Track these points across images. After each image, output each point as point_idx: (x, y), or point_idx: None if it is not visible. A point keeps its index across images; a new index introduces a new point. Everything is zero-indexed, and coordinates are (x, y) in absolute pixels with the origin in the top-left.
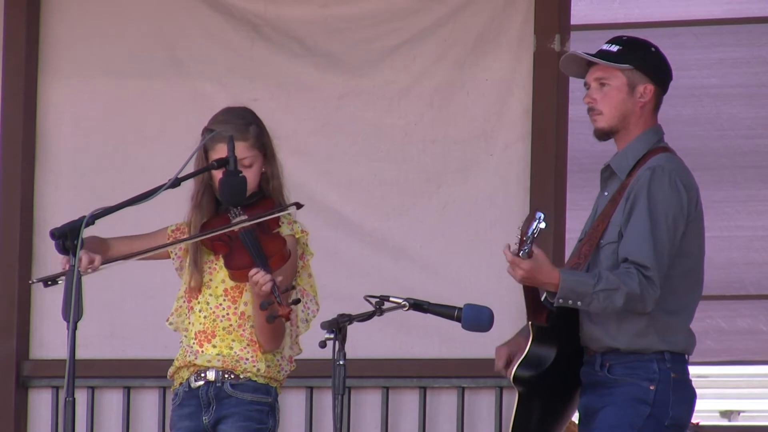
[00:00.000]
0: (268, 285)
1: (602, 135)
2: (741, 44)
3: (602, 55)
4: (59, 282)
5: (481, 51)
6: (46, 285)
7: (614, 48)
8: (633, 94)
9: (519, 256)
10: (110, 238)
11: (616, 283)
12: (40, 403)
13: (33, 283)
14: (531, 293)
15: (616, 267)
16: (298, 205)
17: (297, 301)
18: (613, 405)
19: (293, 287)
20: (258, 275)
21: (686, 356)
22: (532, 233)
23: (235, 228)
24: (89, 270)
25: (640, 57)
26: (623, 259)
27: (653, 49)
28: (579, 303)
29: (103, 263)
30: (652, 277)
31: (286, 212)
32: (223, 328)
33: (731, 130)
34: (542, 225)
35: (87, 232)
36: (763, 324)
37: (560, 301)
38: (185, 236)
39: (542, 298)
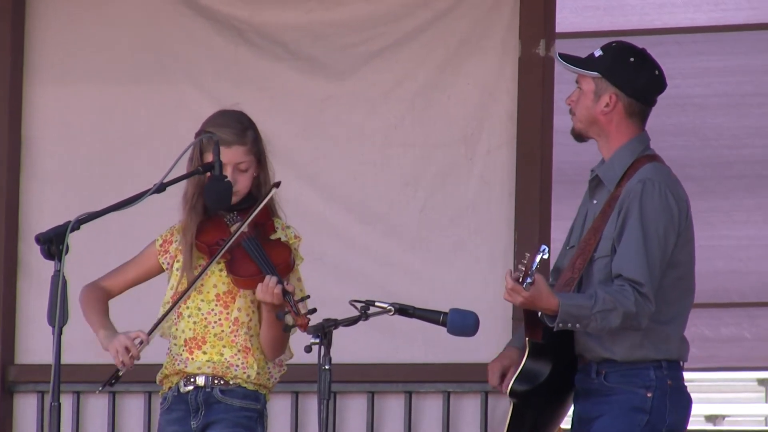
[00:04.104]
0: (279, 291)
1: (576, 136)
2: (725, 53)
3: (580, 59)
4: (120, 375)
5: (463, 55)
6: (111, 385)
7: (597, 53)
8: (597, 102)
9: (522, 286)
10: (103, 282)
11: (611, 303)
12: (26, 408)
13: (100, 391)
14: (529, 311)
15: (609, 280)
16: (278, 185)
17: (314, 311)
18: (609, 414)
19: (308, 297)
20: (269, 284)
21: (681, 363)
22: (536, 266)
23: (237, 235)
24: (142, 347)
25: (610, 66)
26: (617, 275)
27: (632, 59)
28: (578, 325)
29: (149, 334)
30: (647, 293)
31: (273, 192)
32: (215, 335)
33: (715, 139)
34: (545, 256)
35: (73, 237)
36: (746, 331)
37: (560, 325)
38: (174, 244)
39: (539, 315)
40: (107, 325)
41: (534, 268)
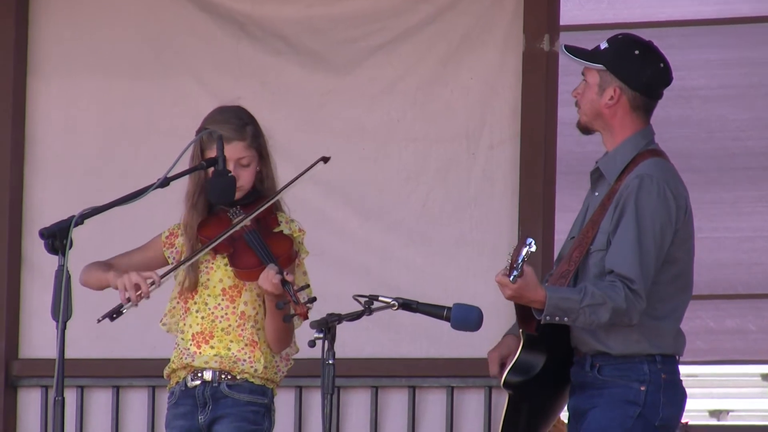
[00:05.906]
0: (278, 280)
1: (582, 129)
2: (730, 45)
3: (586, 51)
4: (123, 312)
5: (465, 50)
6: (112, 319)
7: (603, 45)
8: (602, 95)
9: (509, 279)
10: (110, 262)
11: (601, 298)
12: (29, 403)
13: (100, 321)
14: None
15: (604, 274)
16: (326, 160)
17: (313, 300)
18: (601, 406)
19: (307, 286)
20: (268, 274)
21: (677, 357)
22: (522, 259)
23: (237, 227)
24: (153, 287)
25: (614, 59)
26: (609, 270)
27: (637, 52)
28: (566, 319)
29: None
30: (638, 290)
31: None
32: (222, 329)
33: (720, 131)
34: (532, 249)
35: (76, 232)
36: (751, 323)
37: (547, 318)
38: (180, 238)
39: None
40: (117, 270)
41: (521, 260)
